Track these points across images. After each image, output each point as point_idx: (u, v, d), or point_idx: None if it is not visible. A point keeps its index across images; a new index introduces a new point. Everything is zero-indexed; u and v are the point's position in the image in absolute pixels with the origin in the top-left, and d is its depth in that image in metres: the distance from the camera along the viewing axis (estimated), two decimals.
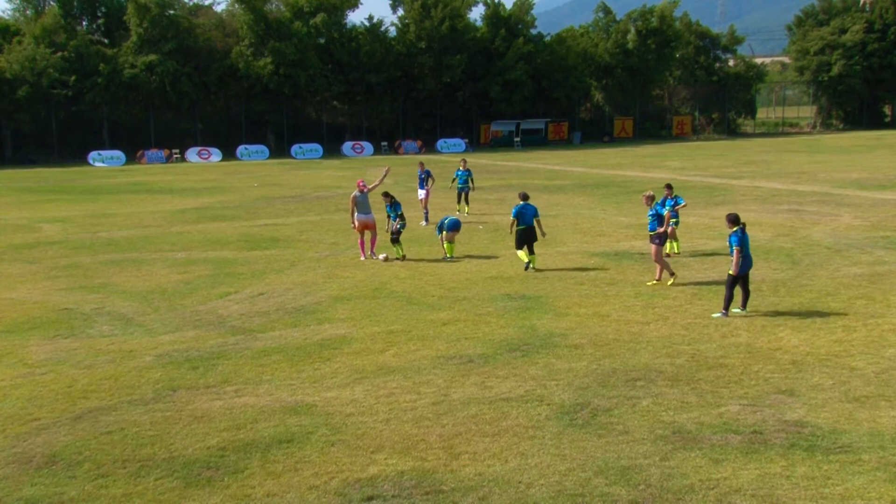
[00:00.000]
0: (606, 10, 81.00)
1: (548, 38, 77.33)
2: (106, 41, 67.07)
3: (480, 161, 54.32)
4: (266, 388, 10.77)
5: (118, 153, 60.62)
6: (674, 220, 18.34)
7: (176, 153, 62.33)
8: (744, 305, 13.83)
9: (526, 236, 17.77)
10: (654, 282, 16.23)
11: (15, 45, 61.24)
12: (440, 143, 69.58)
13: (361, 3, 73.02)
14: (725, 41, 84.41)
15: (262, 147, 65.39)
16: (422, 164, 27.59)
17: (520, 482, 7.90)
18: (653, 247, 16.22)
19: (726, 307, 13.68)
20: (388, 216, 20.09)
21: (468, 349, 12.22)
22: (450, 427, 9.28)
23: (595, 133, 76.88)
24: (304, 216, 27.44)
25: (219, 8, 73.28)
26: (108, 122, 64.11)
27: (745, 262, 13.57)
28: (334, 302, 15.47)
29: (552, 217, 26.22)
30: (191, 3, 69.78)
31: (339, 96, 71.21)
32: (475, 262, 19.07)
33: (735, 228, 13.53)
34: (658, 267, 16.26)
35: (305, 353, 12.29)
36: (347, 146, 67.50)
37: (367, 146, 67.75)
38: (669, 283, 16.14)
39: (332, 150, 66.42)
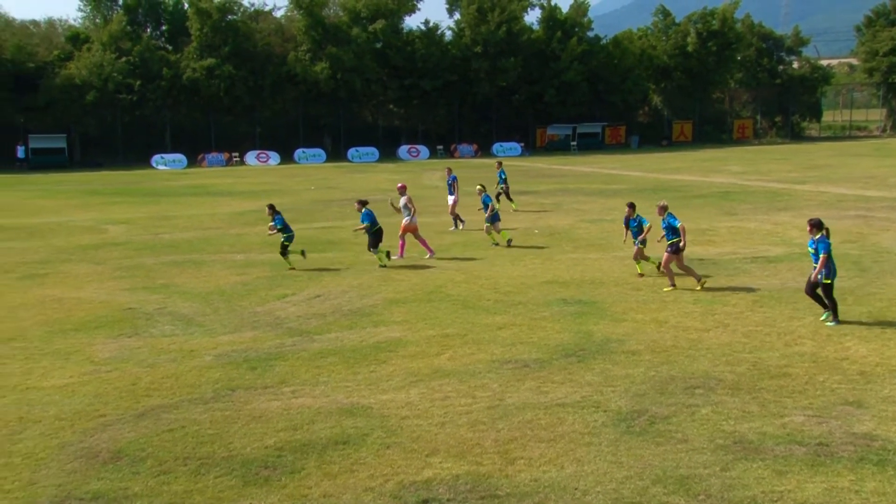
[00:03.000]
0: (665, 13, 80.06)
1: (605, 41, 76.73)
2: (169, 47, 68.42)
3: (536, 165, 54.11)
4: (322, 390, 10.86)
5: (180, 156, 61.76)
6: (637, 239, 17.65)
7: (235, 156, 63.29)
8: (833, 315, 13.41)
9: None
10: (669, 288, 16.18)
11: (84, 52, 62.86)
12: (496, 146, 69.47)
13: (419, 9, 73.34)
14: (790, 43, 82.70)
15: (319, 150, 66.03)
16: (449, 170, 27.71)
17: (576, 489, 7.83)
18: (665, 255, 16.24)
19: (836, 315, 13.30)
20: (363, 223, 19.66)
21: (523, 353, 12.17)
22: (505, 432, 9.25)
23: (653, 137, 76.01)
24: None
25: (278, 13, 74.14)
26: (171, 126, 65.36)
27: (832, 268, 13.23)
28: (390, 305, 15.54)
29: (608, 221, 26.00)
30: (251, 9, 70.81)
31: (395, 100, 71.57)
32: (530, 267, 18.98)
33: (819, 234, 13.16)
34: (684, 273, 16.28)
35: (361, 355, 12.36)
36: (403, 150, 67.80)
37: (423, 150, 67.95)
38: (666, 289, 16.09)
39: (388, 153, 66.79)
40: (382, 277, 18.04)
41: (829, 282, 13.15)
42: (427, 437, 9.15)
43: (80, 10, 69.72)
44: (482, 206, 22.83)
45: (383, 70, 68.88)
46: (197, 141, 64.41)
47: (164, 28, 70.60)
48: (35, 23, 71.11)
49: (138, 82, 62.35)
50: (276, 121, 68.58)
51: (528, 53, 71.31)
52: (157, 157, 61.15)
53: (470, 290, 16.55)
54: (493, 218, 22.22)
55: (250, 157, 63.85)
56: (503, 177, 29.90)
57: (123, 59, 62.17)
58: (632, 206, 17.84)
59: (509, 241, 21.86)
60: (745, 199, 31.45)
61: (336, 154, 66.69)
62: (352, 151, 65.90)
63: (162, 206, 34.27)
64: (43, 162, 58.57)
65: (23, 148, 58.25)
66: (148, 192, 41.25)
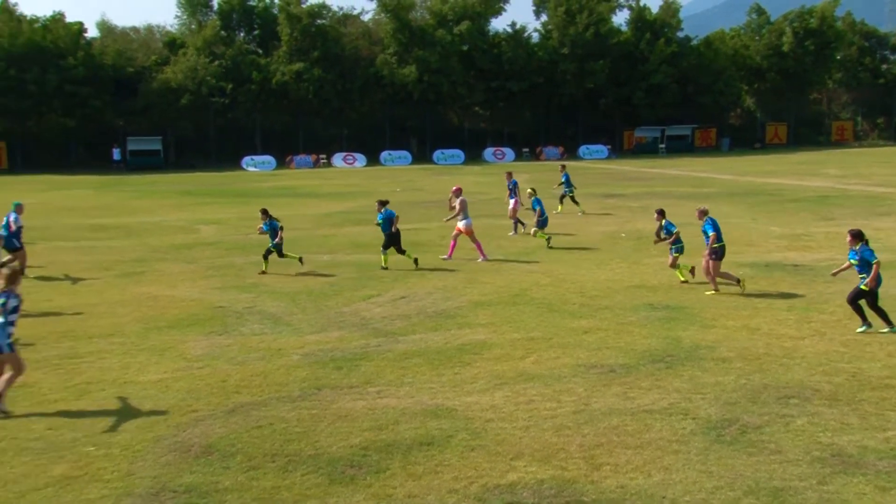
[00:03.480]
0: (760, 11, 78.05)
1: (695, 42, 75.24)
2: (260, 51, 70.04)
3: (623, 167, 53.42)
4: (407, 391, 10.90)
5: (269, 158, 63.13)
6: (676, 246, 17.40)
7: (323, 158, 64.35)
8: (887, 323, 13.16)
9: None
10: (713, 292, 15.98)
11: (180, 57, 64.89)
12: (582, 149, 68.88)
13: (505, 10, 73.28)
14: (895, 41, 79.59)
15: (404, 152, 66.60)
16: (509, 174, 27.59)
17: (664, 497, 7.66)
18: (704, 259, 16.09)
19: (889, 321, 13.04)
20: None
21: (609, 358, 11.99)
22: (591, 437, 9.12)
23: (745, 139, 74.21)
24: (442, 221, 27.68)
25: (366, 17, 75.08)
26: (261, 129, 66.88)
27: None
28: (474, 307, 15.52)
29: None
30: (339, 13, 71.89)
31: (481, 102, 71.67)
32: (617, 271, 18.72)
33: (860, 244, 13.07)
34: (714, 278, 16.08)
35: (446, 356, 12.37)
36: (489, 152, 67.82)
37: (509, 152, 67.85)
38: (709, 293, 15.92)
39: (473, 155, 66.90)
40: (467, 279, 18.04)
41: (866, 289, 12.88)
42: (512, 441, 9.09)
43: (177, 16, 71.86)
44: (531, 208, 22.97)
45: (469, 72, 69.06)
46: (285, 143, 65.76)
47: (255, 32, 72.28)
48: (135, 29, 73.85)
49: (230, 86, 64.03)
50: (363, 123, 69.48)
51: (615, 55, 70.51)
52: (247, 159, 62.63)
53: (555, 294, 16.41)
54: (542, 223, 22.45)
55: (337, 158, 64.81)
56: (567, 180, 29.98)
57: (216, 63, 63.93)
58: (660, 212, 17.69)
59: (548, 238, 22.22)
60: (844, 203, 30.38)
61: (422, 156, 67.15)
62: (437, 153, 66.26)
63: (251, 206, 34.99)
64: (140, 163, 60.65)
65: (118, 150, 60.38)
66: (238, 193, 42.25)
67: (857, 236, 13.15)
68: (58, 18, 63.52)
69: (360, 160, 64.70)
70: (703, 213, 16.41)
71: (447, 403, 10.36)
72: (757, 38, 76.18)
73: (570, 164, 40.06)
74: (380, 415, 10.02)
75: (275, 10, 69.81)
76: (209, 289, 17.79)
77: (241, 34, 72.15)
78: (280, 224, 19.54)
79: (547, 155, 67.06)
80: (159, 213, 32.76)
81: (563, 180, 30.14)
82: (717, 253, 15.98)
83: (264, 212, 19.67)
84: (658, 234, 17.68)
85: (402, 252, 19.64)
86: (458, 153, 66.57)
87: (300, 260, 19.61)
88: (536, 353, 12.37)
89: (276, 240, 19.19)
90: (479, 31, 69.82)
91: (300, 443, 9.22)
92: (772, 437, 8.97)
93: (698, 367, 11.42)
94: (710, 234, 15.93)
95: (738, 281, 16.06)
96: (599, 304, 15.47)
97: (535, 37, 73.73)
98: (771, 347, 12.31)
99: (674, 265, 17.28)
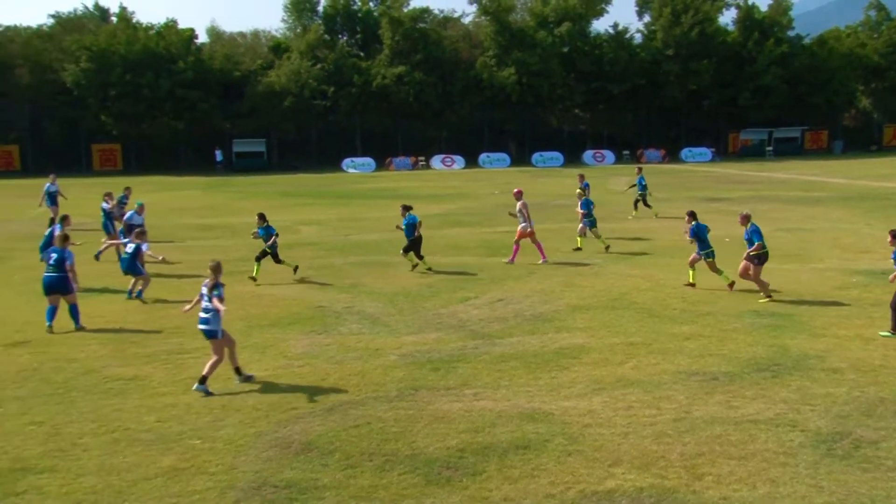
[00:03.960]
0: (879, 7, 74.74)
1: (807, 41, 72.63)
2: (361, 54, 71.11)
3: (727, 171, 52.03)
4: (504, 394, 10.85)
5: (369, 160, 64.02)
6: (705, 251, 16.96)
7: (422, 160, 64.88)
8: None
9: None
10: (765, 300, 15.64)
11: (284, 61, 66.53)
12: (684, 152, 67.42)
13: (607, 12, 72.40)
14: None
15: (503, 155, 66.53)
16: (581, 176, 27.23)
17: None
18: (745, 264, 15.85)
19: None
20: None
21: (712, 366, 11.66)
22: (692, 446, 8.88)
23: (860, 142, 71.26)
24: (544, 224, 27.46)
25: (466, 20, 75.36)
26: (361, 131, 67.90)
27: None
28: (572, 311, 15.35)
29: (807, 231, 24.58)
30: (440, 16, 72.36)
31: (581, 105, 71.00)
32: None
33: None
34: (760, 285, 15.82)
35: (543, 360, 12.27)
36: (588, 154, 67.12)
37: (609, 155, 66.99)
38: (762, 300, 15.57)
39: (572, 158, 66.31)
40: (565, 283, 17.86)
41: None
42: (610, 447, 8.94)
43: (283, 20, 73.61)
44: (580, 209, 22.74)
45: (569, 74, 68.51)
46: (385, 145, 66.57)
47: (357, 36, 73.44)
48: (242, 34, 76.04)
49: (332, 89, 65.24)
50: (462, 125, 69.76)
51: (721, 55, 68.79)
52: (347, 161, 63.67)
53: (655, 299, 16.08)
54: (591, 223, 22.35)
55: (436, 160, 65.22)
56: (643, 183, 29.66)
57: (319, 66, 65.24)
58: (691, 214, 17.25)
59: (579, 246, 22.02)
60: None
61: (520, 158, 66.95)
62: (536, 156, 65.96)
63: (351, 208, 35.58)
64: (245, 165, 62.39)
65: (220, 152, 62.25)
66: (338, 194, 42.97)
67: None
68: (171, 26, 65.98)
69: (458, 162, 64.96)
70: (747, 218, 16.07)
71: (544, 407, 10.26)
72: (875, 35, 73.01)
73: (671, 167, 39.25)
74: (476, 417, 10.00)
75: (377, 14, 70.79)
76: (309, 288, 18.12)
77: (344, 38, 73.41)
78: (276, 231, 19.53)
79: (648, 157, 65.92)
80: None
81: (636, 183, 29.77)
82: (761, 258, 15.66)
83: (261, 217, 19.81)
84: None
85: (420, 258, 19.75)
86: (557, 155, 66.10)
87: (295, 269, 19.49)
88: (636, 359, 12.14)
89: (270, 242, 19.22)
90: (580, 32, 69.16)
91: (397, 442, 9.28)
92: (889, 453, 8.55)
93: (807, 378, 10.99)
94: (757, 241, 15.61)
95: (770, 296, 15.75)
96: (701, 309, 15.08)
97: (638, 38, 72.58)
98: (888, 359, 11.75)
99: (693, 265, 17.16)
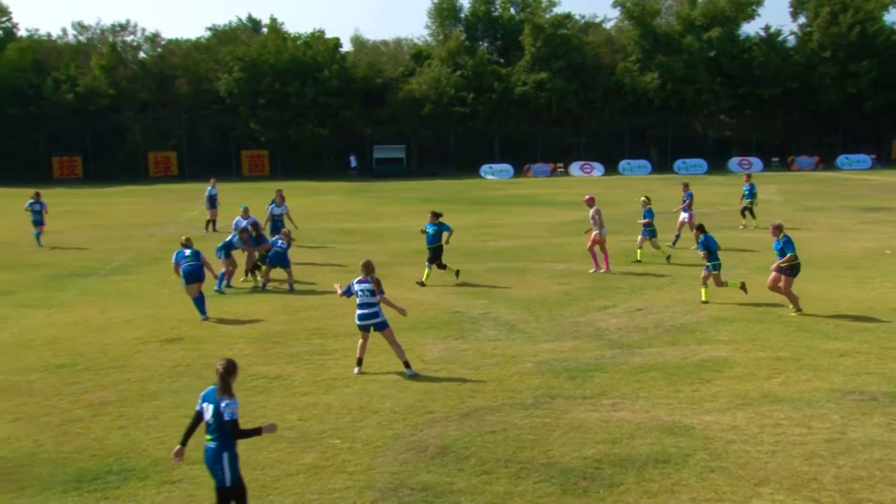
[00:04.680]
0: None
1: None
2: (501, 60, 71.30)
3: (890, 179, 49.15)
4: (642, 405, 10.60)
5: (507, 166, 64.07)
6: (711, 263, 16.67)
7: (560, 167, 64.38)
8: None
9: None
10: (795, 313, 15.23)
11: (425, 68, 67.60)
12: (840, 159, 64.09)
13: (758, 15, 69.68)
14: None
15: (644, 162, 65.18)
16: (686, 185, 26.15)
17: None
18: (774, 274, 15.50)
19: None
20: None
21: (870, 385, 11.00)
22: (847, 469, 8.39)
23: None
24: (686, 232, 26.73)
25: (608, 25, 74.34)
26: (499, 137, 68.06)
27: None
28: (715, 322, 14.84)
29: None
30: (582, 21, 71.69)
31: (727, 110, 68.67)
32: (879, 290, 17.19)
33: None
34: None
35: (684, 372, 11.91)
36: (734, 162, 64.81)
37: (756, 162, 64.46)
38: (793, 313, 15.16)
39: (716, 165, 64.23)
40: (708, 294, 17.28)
41: None
42: (755, 465, 8.56)
43: (427, 26, 74.65)
44: (643, 217, 22.09)
45: (715, 79, 66.42)
46: (523, 151, 66.45)
47: (497, 43, 73.71)
48: (385, 42, 77.78)
49: (471, 95, 65.71)
50: (602, 131, 68.81)
51: (884, 56, 64.93)
52: (485, 167, 63.93)
53: (806, 312, 15.32)
54: (651, 233, 21.76)
55: (574, 167, 64.60)
56: (753, 191, 28.74)
57: (458, 73, 65.89)
58: (700, 227, 17.28)
59: (639, 260, 21.58)
60: None
61: (662, 165, 65.44)
62: (678, 163, 64.28)
63: (488, 214, 35.69)
64: (385, 171, 63.67)
65: (354, 158, 63.75)
66: (476, 200, 43.19)
67: None
68: (318, 35, 68.18)
69: (597, 169, 64.11)
70: (779, 228, 15.55)
71: (685, 421, 9.95)
72: None
73: (825, 175, 37.45)
74: (614, 428, 9.81)
75: (519, 21, 70.84)
76: (447, 294, 18.27)
77: (484, 44, 73.84)
78: (268, 240, 19.72)
79: (800, 165, 63.04)
80: (401, 219, 34.15)
81: (746, 191, 28.72)
82: (793, 270, 15.33)
83: (255, 225, 19.91)
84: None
85: (442, 267, 19.61)
86: (701, 162, 64.16)
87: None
88: (784, 375, 11.60)
89: (260, 252, 19.49)
90: (728, 36, 66.94)
91: (533, 450, 9.21)
92: None
93: None
94: (790, 253, 15.21)
95: (800, 310, 15.27)
96: (858, 325, 14.27)
97: (791, 40, 69.55)
98: None
99: (705, 282, 16.77)
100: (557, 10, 69.05)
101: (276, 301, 17.60)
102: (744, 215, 28.77)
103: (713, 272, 16.68)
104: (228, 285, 18.99)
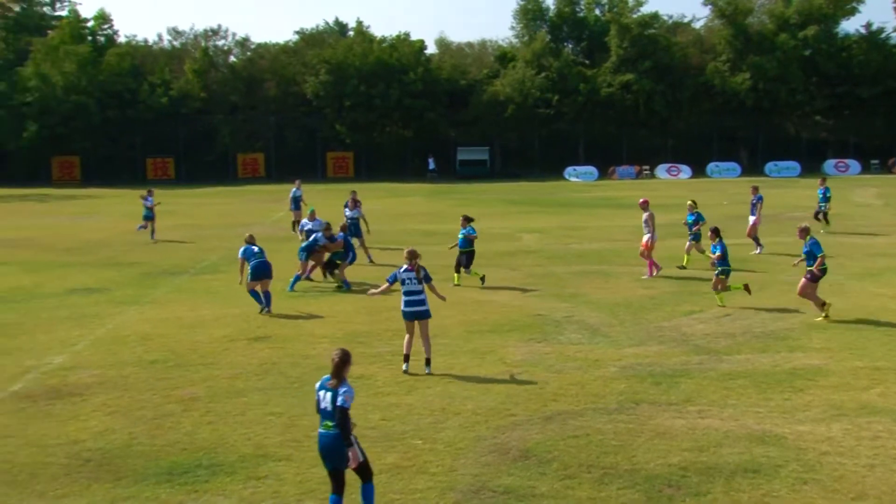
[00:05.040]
0: None
1: None
2: (587, 62, 70.62)
3: None
4: (731, 413, 10.34)
5: (591, 168, 63.41)
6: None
7: (646, 169, 63.39)
8: None
9: None
10: (822, 317, 14.91)
11: (509, 70, 67.47)
12: None
13: (859, 11, 67.13)
14: None
15: (733, 164, 63.63)
16: (755, 188, 25.36)
17: None
18: (805, 281, 15.19)
19: None
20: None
21: None
22: None
23: None
24: (776, 237, 25.99)
25: (698, 24, 72.81)
26: (584, 139, 67.40)
27: None
28: (808, 329, 14.39)
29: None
30: (670, 21, 70.39)
31: (823, 111, 66.45)
32: None
33: None
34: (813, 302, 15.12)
35: (775, 380, 11.58)
36: (829, 164, 62.67)
37: (853, 164, 62.21)
38: (820, 318, 14.88)
39: (810, 167, 62.20)
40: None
41: None
42: (852, 479, 8.25)
43: (512, 27, 74.38)
44: (686, 222, 21.62)
45: (810, 78, 64.36)
46: (608, 153, 65.63)
47: (583, 44, 73.05)
48: (470, 44, 77.79)
49: (556, 97, 65.27)
50: (689, 133, 67.44)
51: None
52: (569, 170, 63.40)
53: None
54: (697, 237, 21.19)
55: (661, 170, 63.53)
56: (827, 195, 27.89)
57: (543, 74, 65.53)
58: (714, 230, 17.17)
59: (684, 266, 21.16)
60: None
61: (752, 168, 63.74)
62: (769, 165, 62.52)
63: (572, 216, 35.38)
64: (468, 173, 63.75)
65: (432, 160, 63.96)
66: (560, 202, 42.88)
67: None
68: (403, 38, 68.76)
69: (684, 171, 62.88)
70: (805, 231, 15.21)
71: (776, 430, 9.66)
72: None
73: None
74: (700, 435, 9.59)
75: (605, 21, 70.06)
76: (529, 296, 18.17)
77: (569, 45, 73.26)
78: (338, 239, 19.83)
79: None
80: (484, 221, 34.02)
81: (820, 194, 27.83)
82: (818, 275, 15.08)
83: (327, 227, 19.93)
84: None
85: (467, 271, 19.60)
86: (794, 165, 62.25)
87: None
88: (883, 385, 11.16)
89: (331, 250, 19.64)
90: (825, 34, 64.78)
91: (616, 456, 9.07)
92: None
93: None
94: (819, 255, 14.99)
95: (826, 315, 14.98)
96: None
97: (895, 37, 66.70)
98: None
99: (716, 287, 16.53)
100: (644, 10, 68.00)
101: (359, 301, 17.77)
102: (817, 218, 27.84)
103: (720, 276, 16.54)
104: (308, 278, 19.52)
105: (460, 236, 19.98)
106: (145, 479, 8.80)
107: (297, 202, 30.94)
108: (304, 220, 21.99)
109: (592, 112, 66.25)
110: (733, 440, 9.42)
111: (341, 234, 19.81)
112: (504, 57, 70.99)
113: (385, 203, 42.31)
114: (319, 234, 19.69)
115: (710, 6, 67.66)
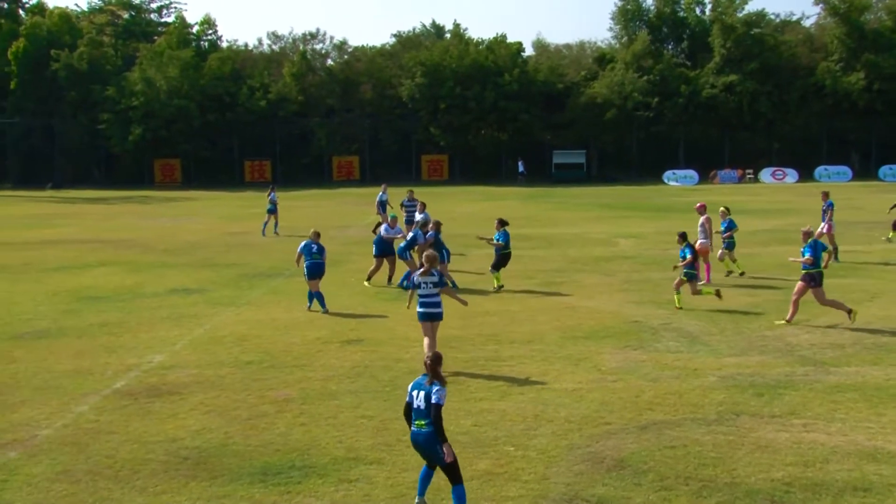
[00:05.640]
0: None
1: None
2: (688, 63, 69.11)
3: None
4: (839, 427, 9.87)
5: (691, 172, 61.98)
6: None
7: (749, 173, 61.58)
8: None
9: None
10: (854, 319, 14.82)
11: (608, 72, 66.57)
12: None
13: None
14: None
15: (844, 168, 61.20)
16: (825, 194, 24.02)
17: None
18: (817, 291, 14.92)
19: None
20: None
21: None
22: None
23: None
24: (874, 245, 24.85)
25: (808, 22, 70.28)
26: (684, 142, 65.92)
27: None
28: None
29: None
30: (777, 20, 68.14)
31: None
32: None
33: None
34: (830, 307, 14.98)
35: (888, 395, 11.02)
36: None
37: None
38: (852, 322, 14.68)
39: None
40: None
41: None
42: None
43: (609, 29, 73.44)
44: (721, 229, 20.83)
45: None
46: (709, 157, 64.01)
47: (684, 45, 71.55)
48: (567, 46, 77.10)
49: (655, 99, 64.03)
50: (796, 136, 65.14)
51: None
52: (668, 173, 62.15)
53: None
54: (731, 244, 20.58)
55: (765, 174, 61.63)
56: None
57: (643, 77, 64.37)
58: (682, 235, 17.47)
59: (731, 270, 20.79)
60: None
61: (864, 172, 61.19)
62: (884, 169, 59.86)
63: (671, 221, 34.53)
64: (564, 176, 63.22)
65: (522, 163, 63.53)
66: (658, 207, 42.04)
67: None
68: (500, 40, 68.68)
69: (790, 175, 60.83)
70: (808, 234, 15.25)
71: (889, 447, 9.17)
72: None
73: None
74: (805, 450, 9.18)
75: (708, 21, 68.40)
76: (625, 302, 17.82)
77: (670, 46, 71.84)
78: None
79: None
80: (580, 225, 33.73)
81: None
82: (816, 279, 14.87)
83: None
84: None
85: (493, 272, 19.47)
86: None
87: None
88: None
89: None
90: None
91: (715, 468, 8.76)
92: None
93: None
94: (806, 256, 14.87)
95: (850, 311, 14.85)
96: None
97: None
98: None
99: (678, 288, 16.86)
100: (749, 8, 66.03)
101: (451, 305, 17.72)
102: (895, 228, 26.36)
103: (684, 277, 16.70)
104: (394, 282, 19.82)
105: (496, 240, 19.81)
106: (240, 478, 8.94)
107: (383, 206, 31.27)
108: (386, 225, 21.91)
109: (693, 114, 64.77)
110: (842, 456, 8.99)
111: (431, 232, 19.84)
112: (602, 58, 70.11)
113: (481, 207, 42.29)
114: (419, 232, 19.94)
115: (820, 5, 65.29)
